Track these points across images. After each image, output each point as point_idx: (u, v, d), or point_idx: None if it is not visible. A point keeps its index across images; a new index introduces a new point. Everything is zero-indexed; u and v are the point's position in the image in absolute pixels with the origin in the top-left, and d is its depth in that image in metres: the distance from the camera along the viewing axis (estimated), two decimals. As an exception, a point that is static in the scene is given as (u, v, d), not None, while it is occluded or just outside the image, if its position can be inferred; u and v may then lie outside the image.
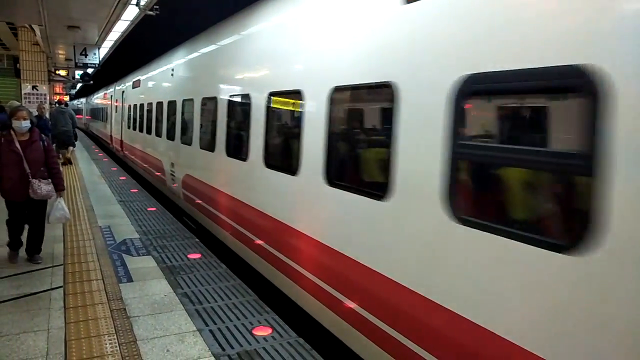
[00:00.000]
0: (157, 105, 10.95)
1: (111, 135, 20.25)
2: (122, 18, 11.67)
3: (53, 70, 20.90)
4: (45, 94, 15.62)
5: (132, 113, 14.56)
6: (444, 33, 2.87)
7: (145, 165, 12.60)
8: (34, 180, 5.20)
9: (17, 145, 5.19)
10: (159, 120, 10.76)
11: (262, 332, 4.12)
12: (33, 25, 12.82)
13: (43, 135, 5.56)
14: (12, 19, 12.89)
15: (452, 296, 2.76)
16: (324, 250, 4.04)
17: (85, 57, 15.39)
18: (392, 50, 3.33)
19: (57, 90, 27.17)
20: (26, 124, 5.22)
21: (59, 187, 5.51)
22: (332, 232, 4.01)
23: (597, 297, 2.04)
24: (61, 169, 5.96)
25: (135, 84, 14.48)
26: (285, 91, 4.93)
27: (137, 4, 10.38)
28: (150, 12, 11.05)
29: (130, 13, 11.28)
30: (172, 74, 9.87)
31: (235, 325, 4.21)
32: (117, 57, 21.52)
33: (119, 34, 14.38)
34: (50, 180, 5.40)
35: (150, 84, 12.50)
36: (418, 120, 3.05)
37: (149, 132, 11.85)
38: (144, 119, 12.45)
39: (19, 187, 5.19)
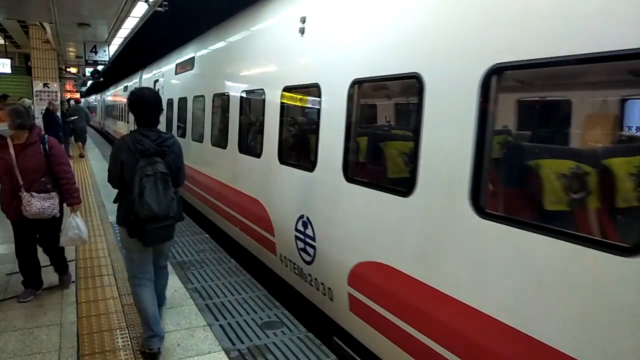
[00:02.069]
0: (243, 98, 6.18)
1: None
2: (131, 15, 11.73)
3: (64, 67, 21.11)
4: (56, 92, 15.79)
5: (175, 111, 10.00)
6: None
7: (205, 195, 7.87)
8: (24, 193, 4.13)
9: (11, 150, 4.15)
10: (249, 126, 6.21)
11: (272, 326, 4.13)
12: (44, 23, 12.93)
13: (47, 137, 4.40)
14: (23, 17, 13.00)
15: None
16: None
17: (95, 54, 15.47)
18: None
19: (68, 87, 27.48)
20: (1, 127, 4.08)
21: (71, 201, 4.34)
22: None
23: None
24: (73, 170, 4.74)
25: (183, 67, 9.68)
26: None
27: (146, 1, 10.41)
28: (159, 9, 11.07)
29: (140, 10, 11.32)
30: (302, 30, 4.59)
31: (245, 320, 4.23)
32: (127, 54, 21.64)
33: (129, 30, 14.45)
34: (51, 194, 4.26)
35: (221, 62, 7.48)
36: None
37: (219, 144, 7.10)
38: (204, 120, 7.89)
39: (10, 202, 4.21)
